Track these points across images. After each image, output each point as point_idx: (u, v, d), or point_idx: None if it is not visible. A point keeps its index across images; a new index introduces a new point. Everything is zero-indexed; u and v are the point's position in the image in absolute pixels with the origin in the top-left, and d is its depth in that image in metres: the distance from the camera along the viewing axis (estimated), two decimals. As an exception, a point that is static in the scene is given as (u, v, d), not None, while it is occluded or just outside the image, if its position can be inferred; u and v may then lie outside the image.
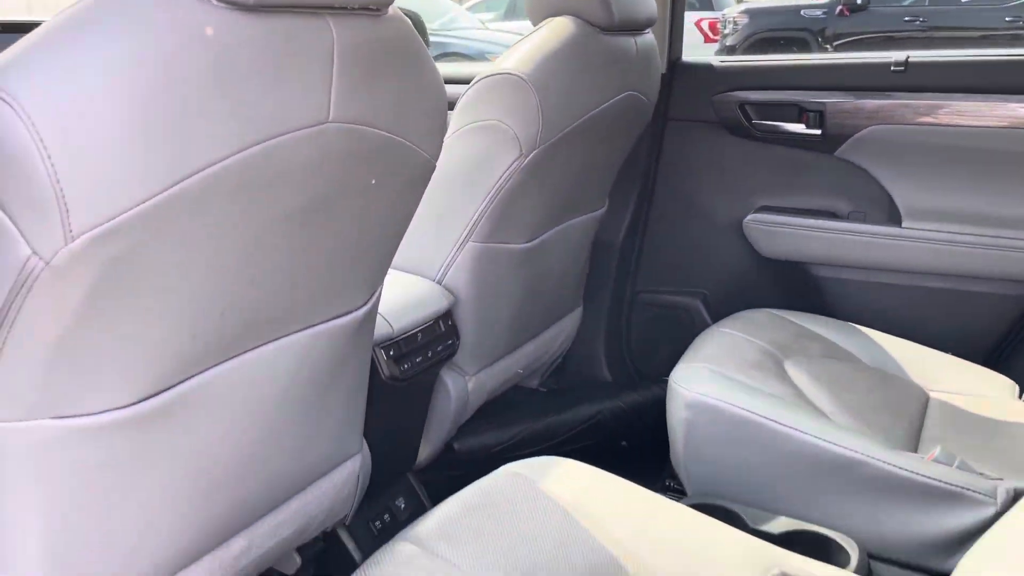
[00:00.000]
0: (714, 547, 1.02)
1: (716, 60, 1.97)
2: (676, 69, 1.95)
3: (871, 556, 1.20)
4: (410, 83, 0.93)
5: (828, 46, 8.79)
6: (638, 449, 1.63)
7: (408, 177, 0.99)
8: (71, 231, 0.65)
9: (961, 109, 1.71)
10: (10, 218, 0.65)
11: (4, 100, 0.62)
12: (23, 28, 1.41)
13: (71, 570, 0.80)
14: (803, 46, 8.95)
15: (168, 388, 0.82)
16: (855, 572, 1.12)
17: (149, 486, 0.85)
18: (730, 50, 8.90)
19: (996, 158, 1.71)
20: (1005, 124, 1.68)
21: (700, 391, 1.35)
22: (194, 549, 0.94)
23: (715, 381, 1.37)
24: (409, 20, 0.94)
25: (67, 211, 0.64)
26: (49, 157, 0.62)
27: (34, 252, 0.65)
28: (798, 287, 1.92)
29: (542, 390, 2.01)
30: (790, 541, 1.18)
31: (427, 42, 2.63)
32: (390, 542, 0.95)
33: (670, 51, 1.93)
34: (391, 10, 0.90)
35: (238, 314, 0.85)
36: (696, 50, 8.06)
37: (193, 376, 0.85)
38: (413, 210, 1.07)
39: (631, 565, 0.96)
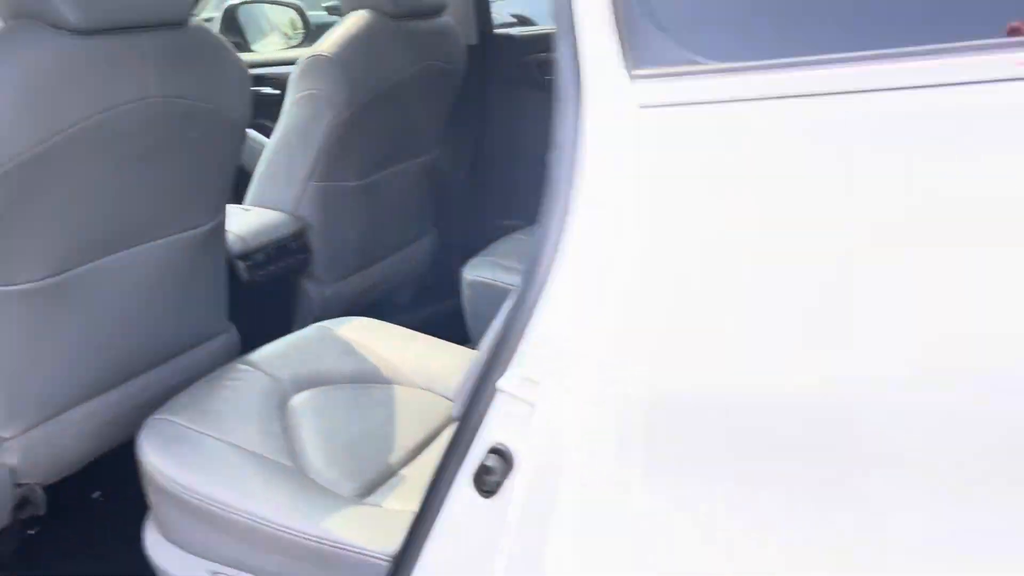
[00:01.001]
0: (455, 362, 1.55)
1: (516, 31, 2.48)
2: (486, 39, 2.46)
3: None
4: (212, 68, 1.43)
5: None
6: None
7: (220, 133, 1.49)
8: None
9: None
10: None
11: None
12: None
13: (13, 386, 1.31)
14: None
15: (66, 270, 1.33)
16: None
17: (59, 338, 1.35)
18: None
19: None
20: None
21: (477, 274, 1.88)
22: (97, 385, 1.45)
23: (490, 268, 1.90)
24: (208, 29, 1.45)
25: None
26: None
27: None
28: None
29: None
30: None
31: (309, 26, 3.11)
32: (235, 360, 1.48)
33: (479, 25, 2.43)
34: (191, 23, 1.40)
35: (109, 223, 1.36)
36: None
37: (84, 264, 1.35)
38: (232, 158, 1.57)
39: (387, 371, 1.49)
